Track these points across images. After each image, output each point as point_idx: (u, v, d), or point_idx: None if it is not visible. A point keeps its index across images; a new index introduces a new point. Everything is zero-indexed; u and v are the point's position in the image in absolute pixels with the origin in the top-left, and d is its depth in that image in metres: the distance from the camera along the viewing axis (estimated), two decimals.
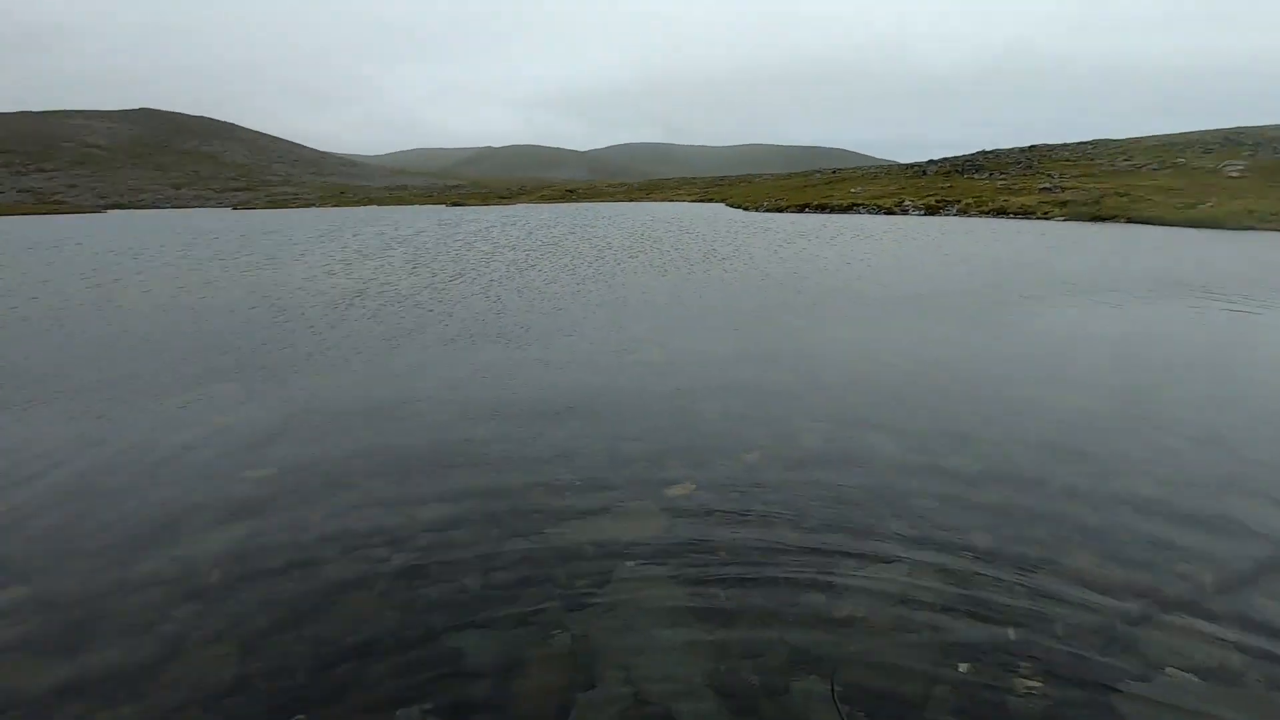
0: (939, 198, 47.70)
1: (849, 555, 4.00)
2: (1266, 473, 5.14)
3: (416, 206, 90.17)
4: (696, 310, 12.25)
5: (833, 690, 2.89)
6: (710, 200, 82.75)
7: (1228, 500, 4.67)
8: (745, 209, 60.40)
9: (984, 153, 65.72)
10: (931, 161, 67.45)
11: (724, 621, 3.42)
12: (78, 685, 3.00)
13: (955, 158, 66.13)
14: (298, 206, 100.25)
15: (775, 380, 7.81)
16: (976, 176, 55.02)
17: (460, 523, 4.43)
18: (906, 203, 47.48)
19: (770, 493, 4.80)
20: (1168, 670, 3.06)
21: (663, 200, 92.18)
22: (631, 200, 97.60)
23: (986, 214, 43.07)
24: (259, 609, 3.51)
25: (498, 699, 2.92)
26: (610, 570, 3.87)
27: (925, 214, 45.19)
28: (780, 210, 54.80)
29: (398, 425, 6.31)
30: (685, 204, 78.89)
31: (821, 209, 51.95)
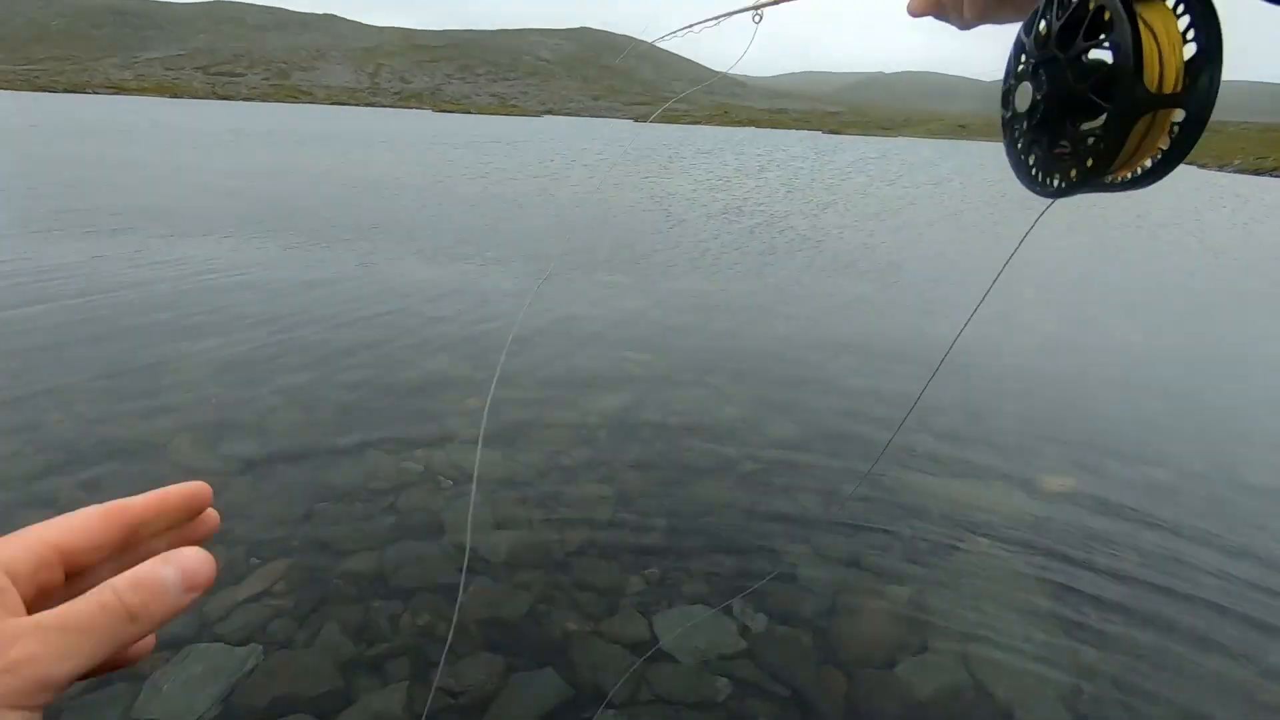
0: None
1: None
2: None
3: (793, 131, 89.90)
4: (1100, 290, 10.14)
5: None
6: None
7: None
8: (1202, 166, 47.05)
9: None
10: None
11: (1097, 642, 2.94)
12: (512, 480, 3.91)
13: None
14: (687, 122, 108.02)
15: (1214, 387, 6.15)
16: None
17: (805, 445, 4.51)
18: None
19: (1185, 521, 3.87)
20: None
21: None
22: None
23: None
24: (632, 468, 4.09)
25: (823, 624, 2.98)
26: (959, 540, 3.59)
27: None
28: (1259, 172, 41.41)
29: (758, 340, 6.59)
30: None
31: None
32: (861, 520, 3.74)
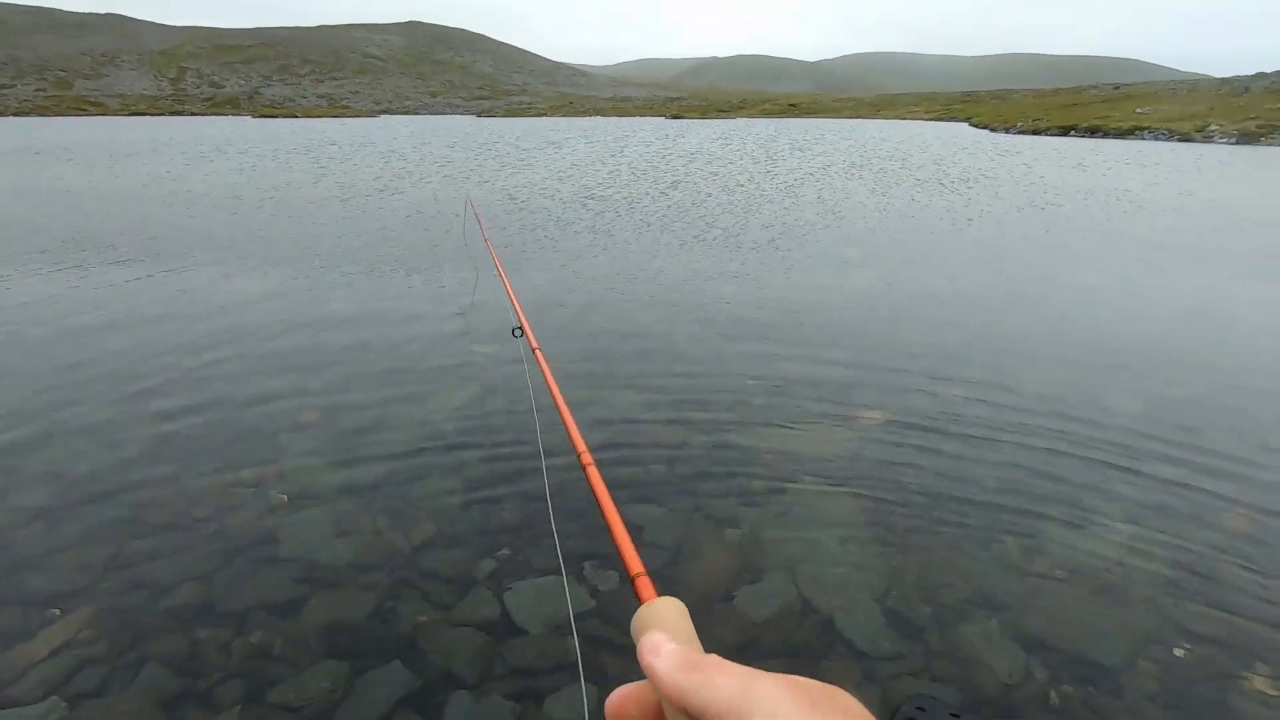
0: (1263, 121, 37.98)
1: (1059, 513, 3.64)
2: None
3: (638, 118, 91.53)
4: (915, 239, 11.30)
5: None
6: (953, 119, 73.86)
7: None
8: (992, 130, 53.17)
9: None
10: (1261, 75, 53.52)
11: (901, 550, 3.34)
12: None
13: None
14: (531, 115, 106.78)
15: (995, 323, 7.07)
16: None
17: (650, 415, 4.71)
18: (1213, 127, 38.49)
19: (975, 439, 4.47)
20: None
21: (895, 118, 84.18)
22: (859, 117, 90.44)
23: None
24: (481, 460, 4.09)
25: (670, 572, 3.17)
26: (788, 479, 3.92)
27: (1238, 142, 36.41)
28: (1038, 132, 47.44)
29: (605, 317, 6.74)
30: (921, 123, 71.28)
31: (1093, 132, 44.03)
32: (702, 474, 3.99)
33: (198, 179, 19.11)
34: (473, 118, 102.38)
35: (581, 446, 1.01)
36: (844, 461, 4.15)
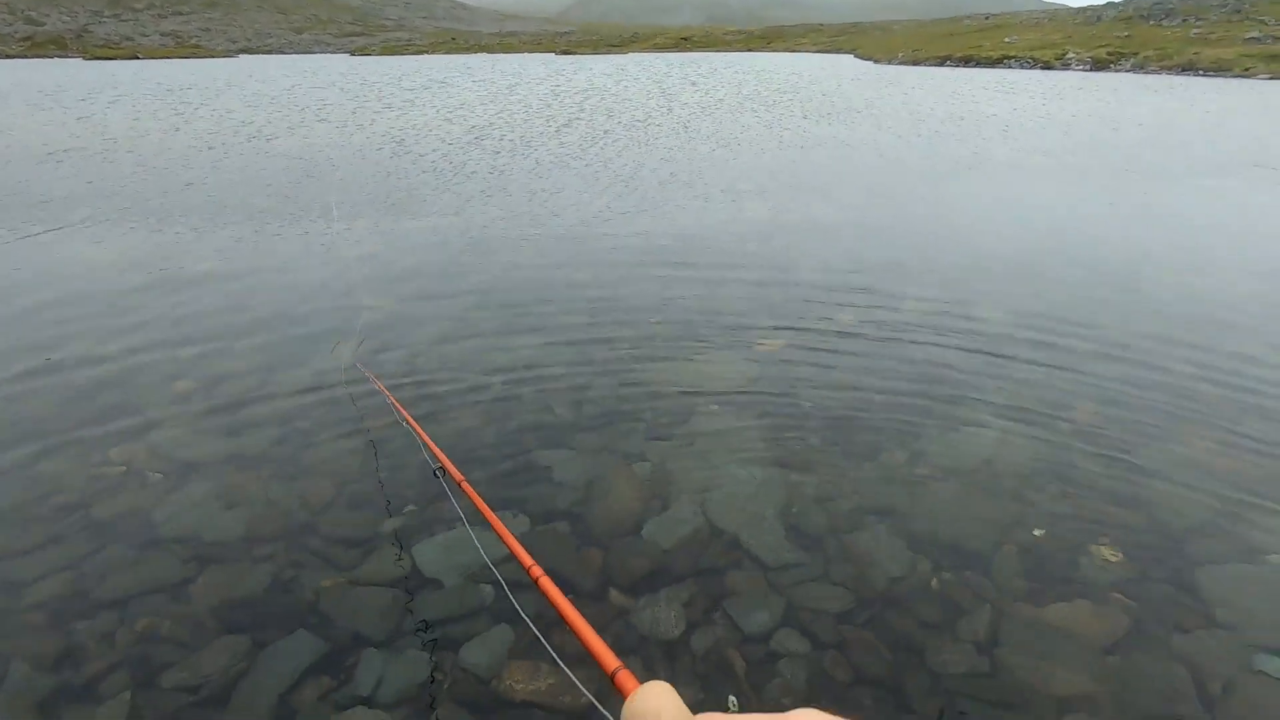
0: (1112, 49, 40.92)
1: (937, 419, 3.93)
2: None
3: (526, 54, 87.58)
4: (795, 172, 11.55)
5: None
6: (839, 50, 75.13)
7: None
8: (876, 61, 54.56)
9: None
10: (1111, 4, 57.32)
11: (799, 468, 3.52)
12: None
13: (1142, 0, 55.79)
14: (411, 53, 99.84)
15: (881, 247, 7.41)
16: (1166, 24, 46.50)
17: (555, 358, 4.66)
18: (1070, 55, 41.14)
19: (864, 356, 4.71)
20: (1268, 558, 2.91)
21: (784, 50, 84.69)
22: (750, 50, 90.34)
23: (1170, 69, 36.80)
24: (379, 415, 3.93)
25: (581, 510, 3.20)
26: (693, 411, 4.01)
27: (1091, 69, 39.14)
28: (917, 63, 49.12)
29: (498, 267, 6.54)
30: (809, 55, 72.11)
31: (967, 62, 46.06)
32: (609, 413, 4.01)
33: (32, 130, 16.76)
34: (345, 56, 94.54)
35: (528, 561, 0.97)
36: (745, 388, 4.28)
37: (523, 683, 2.34)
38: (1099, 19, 52.69)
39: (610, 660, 0.55)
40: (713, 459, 3.59)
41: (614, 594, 2.72)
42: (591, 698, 0.72)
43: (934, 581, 2.76)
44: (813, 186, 10.31)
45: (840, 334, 5.06)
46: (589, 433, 3.82)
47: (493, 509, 3.17)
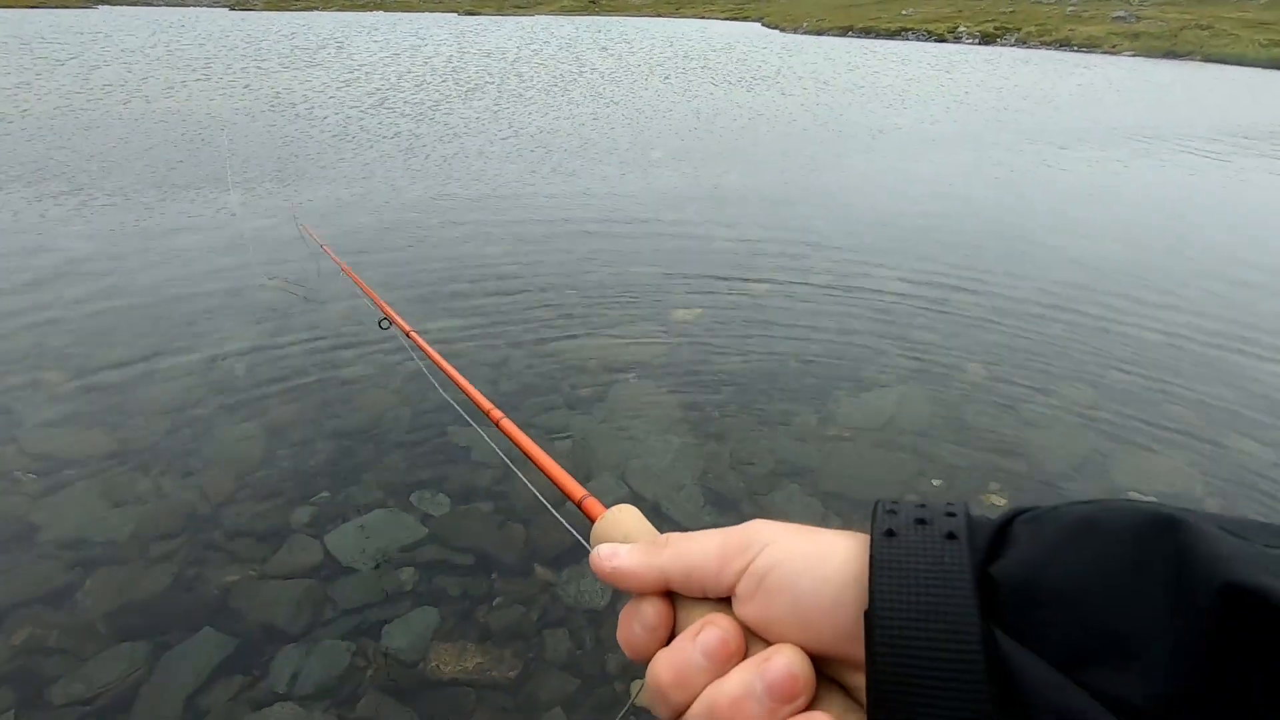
0: (999, 24, 43.20)
1: (846, 381, 4.12)
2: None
3: (426, 13, 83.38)
4: (707, 134, 11.66)
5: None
6: (746, 18, 75.66)
7: (1235, 349, 4.68)
8: (781, 30, 55.35)
9: None
10: None
11: (716, 436, 3.61)
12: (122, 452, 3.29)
13: None
14: (300, 9, 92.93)
15: (789, 215, 7.61)
16: (1044, 0, 49.44)
17: (468, 334, 4.56)
18: (961, 29, 43.14)
19: (775, 323, 4.86)
20: (1128, 494, 3.25)
21: (693, 16, 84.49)
22: (659, 15, 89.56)
23: (1049, 45, 39.24)
24: (281, 398, 3.73)
25: (501, 489, 3.17)
26: (611, 383, 4.03)
27: (980, 43, 41.24)
28: (821, 33, 50.18)
29: (416, 238, 6.29)
30: (717, 22, 72.28)
31: (867, 33, 47.45)
32: (528, 388, 3.98)
33: None
34: (225, 11, 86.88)
35: (487, 405, 0.96)
36: (662, 359, 4.33)
37: (450, 664, 2.32)
38: None
39: (576, 489, 0.58)
40: (633, 430, 3.63)
41: (539, 569, 2.73)
42: (565, 523, 0.77)
43: None
44: (722, 154, 10.42)
45: (752, 302, 5.19)
46: (508, 408, 3.76)
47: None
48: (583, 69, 23.28)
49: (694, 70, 23.87)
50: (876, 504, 0.34)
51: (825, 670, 0.33)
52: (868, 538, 0.33)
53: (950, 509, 0.32)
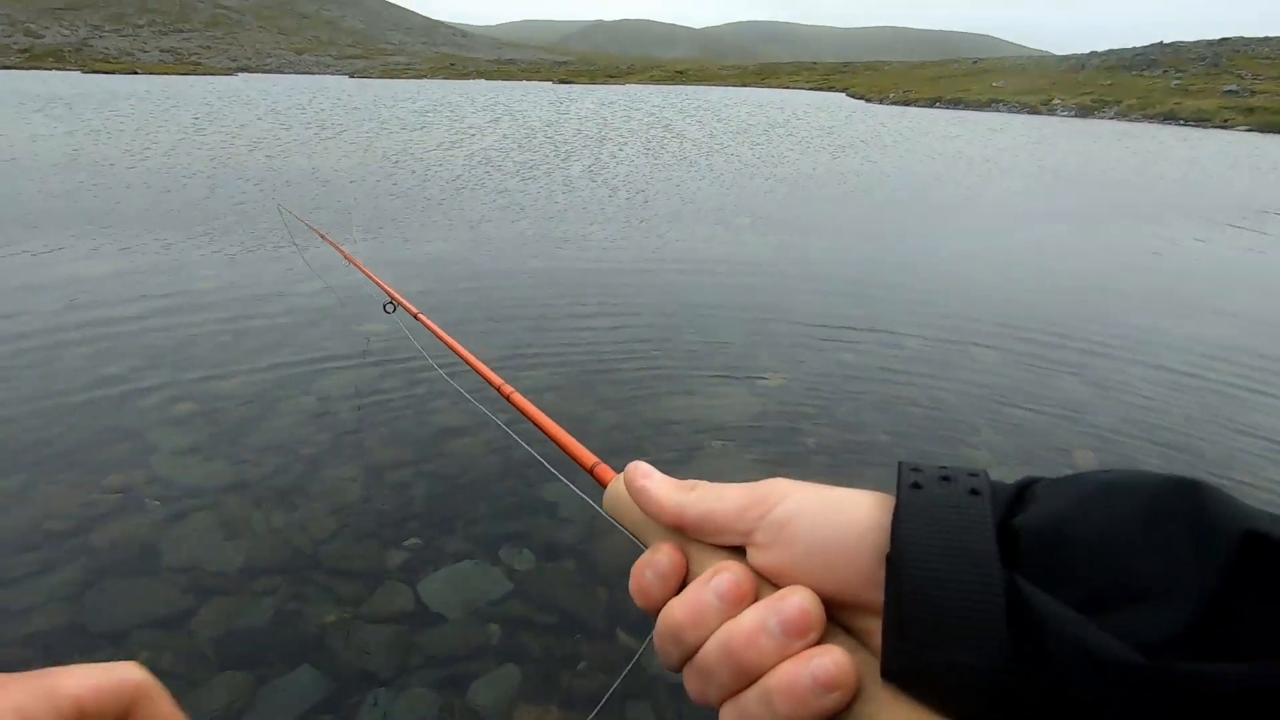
0: (1096, 97, 42.14)
1: (940, 458, 3.94)
2: None
3: (524, 82, 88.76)
4: (803, 211, 11.73)
5: None
6: (830, 88, 76.83)
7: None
8: (867, 100, 55.80)
9: (1161, 45, 56.76)
10: (1094, 54, 59.11)
11: None
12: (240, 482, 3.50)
13: (1124, 50, 57.61)
14: (410, 77, 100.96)
15: (879, 284, 7.50)
16: (1147, 74, 47.99)
17: (555, 388, 4.67)
18: (1055, 101, 42.31)
19: (866, 393, 4.75)
20: None
21: (778, 87, 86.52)
22: (744, 85, 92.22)
23: (1152, 118, 37.90)
24: (381, 442, 3.91)
25: (584, 547, 3.18)
26: (696, 448, 4.02)
27: (1076, 115, 40.25)
28: (908, 104, 50.26)
29: (503, 291, 6.57)
30: (802, 92, 73.63)
31: (956, 104, 47.21)
32: (614, 450, 4.01)
33: (21, 140, 16.73)
34: (344, 78, 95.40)
35: (497, 381, 1.02)
36: (749, 426, 4.29)
37: None
38: (1083, 67, 54.29)
39: (587, 457, 0.60)
40: None
41: (622, 635, 2.69)
42: (575, 489, 0.80)
43: None
44: (809, 221, 10.46)
45: (841, 371, 5.10)
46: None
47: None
48: (671, 135, 24.11)
49: (780, 138, 24.30)
50: (900, 463, 0.35)
51: (834, 615, 0.34)
52: (887, 495, 0.35)
53: (973, 471, 0.34)
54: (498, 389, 1.00)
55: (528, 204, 10.96)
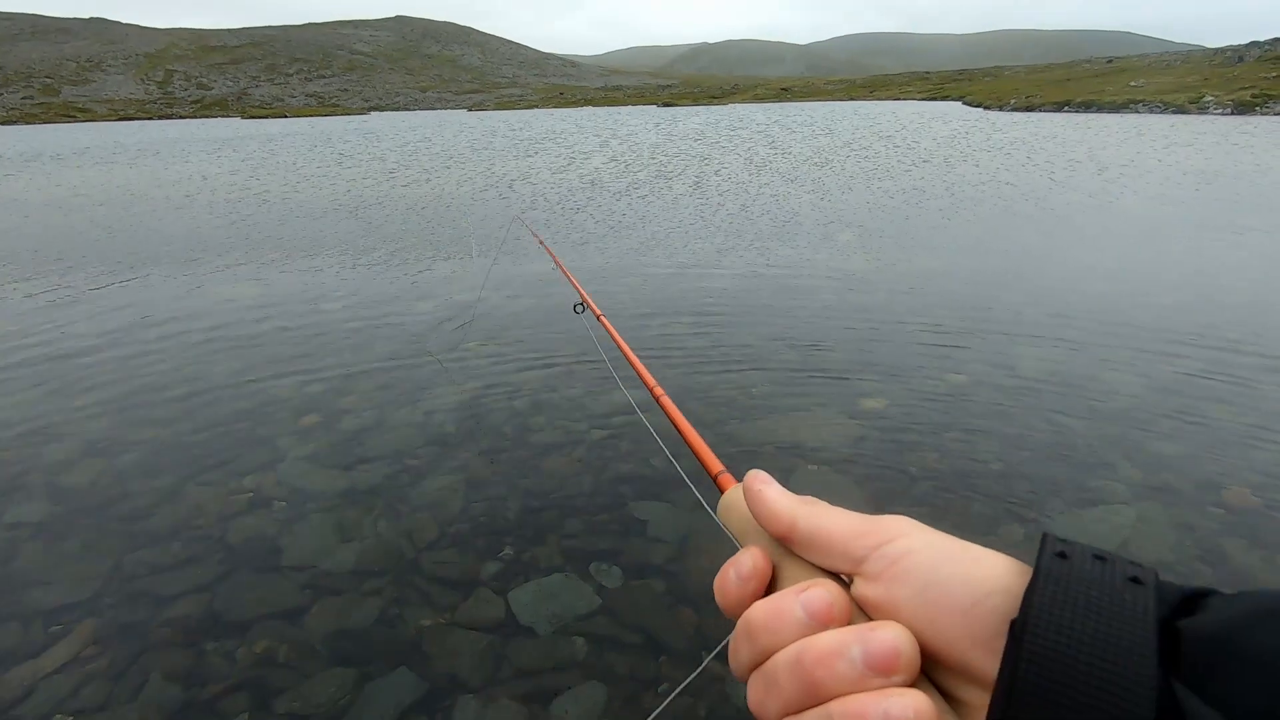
0: (1258, 90, 37.74)
1: (1062, 494, 3.63)
2: None
3: (630, 107, 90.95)
4: (909, 224, 11.24)
5: None
6: (945, 98, 73.52)
7: None
8: (986, 108, 52.88)
9: None
10: (1254, 44, 53.12)
11: None
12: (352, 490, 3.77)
13: None
14: (523, 108, 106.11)
15: (993, 303, 7.04)
16: None
17: (650, 408, 4.68)
18: (1208, 98, 38.28)
19: (976, 419, 4.44)
20: None
21: (888, 99, 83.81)
22: (852, 99, 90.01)
23: None
24: (481, 456, 4.07)
25: (674, 568, 3.16)
26: (793, 469, 3.90)
27: (1233, 112, 36.22)
28: (1031, 109, 47.18)
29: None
30: (915, 103, 70.89)
31: (1088, 107, 43.78)
32: (704, 470, 3.96)
33: (212, 178, 19.01)
34: (464, 112, 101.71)
35: (652, 382, 1.08)
36: (848, 449, 4.13)
37: None
38: (1240, 59, 48.85)
39: (714, 464, 0.60)
40: None
41: (705, 658, 2.64)
42: (695, 490, 0.87)
43: None
44: (918, 236, 10.00)
45: (948, 394, 4.81)
46: (683, 487, 3.79)
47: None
48: (777, 152, 23.88)
49: (891, 150, 23.48)
50: (1045, 534, 0.31)
51: (928, 670, 0.31)
52: (1022, 562, 0.32)
53: (1134, 561, 0.30)
54: (650, 388, 1.08)
55: (629, 221, 11.17)
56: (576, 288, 2.28)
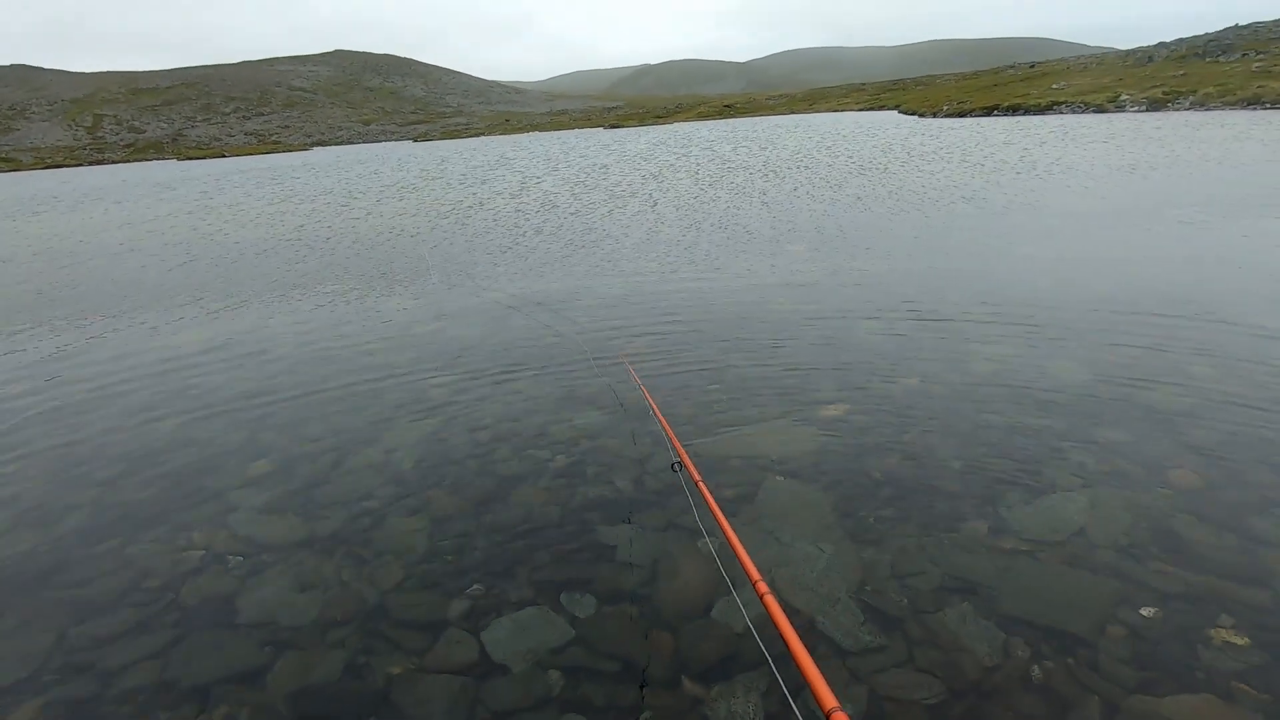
0: (1167, 89, 40.03)
1: (1020, 486, 3.72)
2: None
3: (577, 130, 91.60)
4: (853, 230, 11.51)
5: None
6: (882, 107, 75.98)
7: None
8: (920, 115, 54.84)
9: (1236, 28, 53.61)
10: (1162, 45, 56.44)
11: (873, 542, 3.36)
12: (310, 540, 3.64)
13: (1195, 38, 54.74)
14: (469, 136, 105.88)
15: (942, 304, 7.23)
16: (1223, 60, 45.36)
17: (612, 431, 4.66)
18: (1124, 97, 40.43)
19: (933, 419, 4.54)
20: None
21: (827, 111, 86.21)
22: (793, 112, 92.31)
23: (1233, 105, 35.67)
24: (444, 492, 3.99)
25: (647, 591, 3.12)
26: (759, 483, 3.92)
27: (1147, 109, 38.31)
28: (963, 114, 49.10)
29: (560, 333, 6.67)
30: (853, 113, 73.03)
31: (1015, 110, 45.79)
32: (669, 489, 3.95)
33: (144, 226, 18.36)
34: (409, 143, 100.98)
35: (756, 576, 1.02)
36: (810, 458, 4.17)
37: None
38: (1150, 59, 51.81)
39: (829, 699, 0.53)
40: (781, 534, 3.47)
41: (686, 682, 2.61)
42: None
43: (1034, 670, 2.55)
44: (860, 243, 10.25)
45: (905, 396, 4.91)
46: (651, 508, 3.77)
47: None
48: (720, 169, 24.27)
49: (833, 161, 24.10)
50: None
51: None
52: None
53: None
54: (754, 585, 1.02)
55: (584, 241, 11.18)
56: (677, 447, 2.43)
